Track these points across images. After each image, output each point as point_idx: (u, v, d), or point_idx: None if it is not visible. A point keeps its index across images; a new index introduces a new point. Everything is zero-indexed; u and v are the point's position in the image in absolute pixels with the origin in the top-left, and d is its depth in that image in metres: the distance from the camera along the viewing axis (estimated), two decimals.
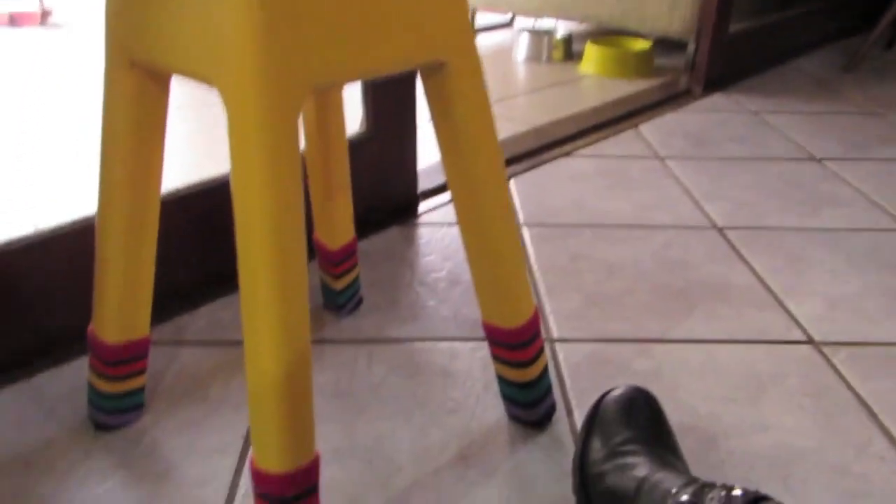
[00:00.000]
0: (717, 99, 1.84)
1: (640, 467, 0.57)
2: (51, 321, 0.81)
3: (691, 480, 0.54)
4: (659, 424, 0.63)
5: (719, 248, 1.10)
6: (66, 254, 0.80)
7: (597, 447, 0.61)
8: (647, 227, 1.16)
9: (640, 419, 0.62)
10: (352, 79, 0.52)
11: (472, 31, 0.59)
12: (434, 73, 0.58)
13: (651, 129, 1.61)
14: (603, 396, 0.66)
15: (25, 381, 0.79)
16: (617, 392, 0.65)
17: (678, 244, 1.11)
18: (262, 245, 0.49)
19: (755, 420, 0.75)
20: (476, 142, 0.60)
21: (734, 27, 1.96)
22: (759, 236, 1.14)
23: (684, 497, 0.51)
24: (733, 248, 1.10)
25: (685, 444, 0.72)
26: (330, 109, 0.77)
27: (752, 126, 1.64)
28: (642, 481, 0.55)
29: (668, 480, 0.54)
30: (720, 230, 1.16)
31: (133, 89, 0.58)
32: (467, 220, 0.64)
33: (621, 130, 1.60)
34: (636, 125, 1.63)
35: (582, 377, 0.81)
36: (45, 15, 3.00)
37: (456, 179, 0.63)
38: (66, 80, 2.05)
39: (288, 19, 0.47)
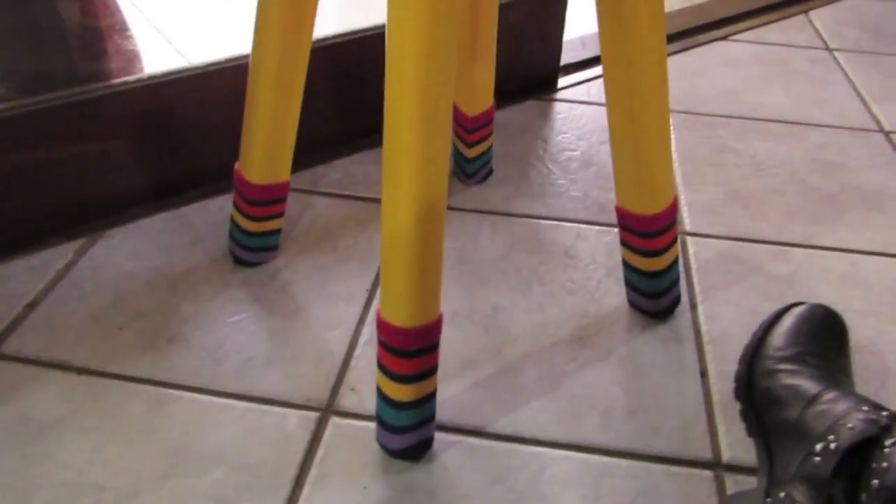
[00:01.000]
0: None
1: (819, 381, 0.55)
2: (201, 155, 0.86)
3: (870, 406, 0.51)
4: (845, 356, 0.61)
5: (883, 154, 1.00)
6: (218, 91, 0.83)
7: (777, 345, 0.59)
8: (804, 125, 1.07)
9: (829, 340, 0.60)
10: None
11: None
12: None
13: (823, 16, 1.45)
14: (794, 305, 0.63)
15: (174, 209, 0.85)
16: (813, 307, 0.62)
17: (837, 145, 1.02)
18: (409, 100, 0.48)
19: (894, 337, 0.71)
20: (641, 18, 0.56)
21: None
22: None
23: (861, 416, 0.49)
24: None
25: None
26: None
27: None
28: (819, 393, 0.53)
29: (844, 400, 0.52)
30: (886, 134, 1.05)
31: None
32: (618, 93, 0.61)
33: (790, 15, 1.45)
34: (807, 10, 1.48)
35: (711, 274, 0.78)
36: None
37: (612, 50, 0.59)
38: None
39: None
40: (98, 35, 0.87)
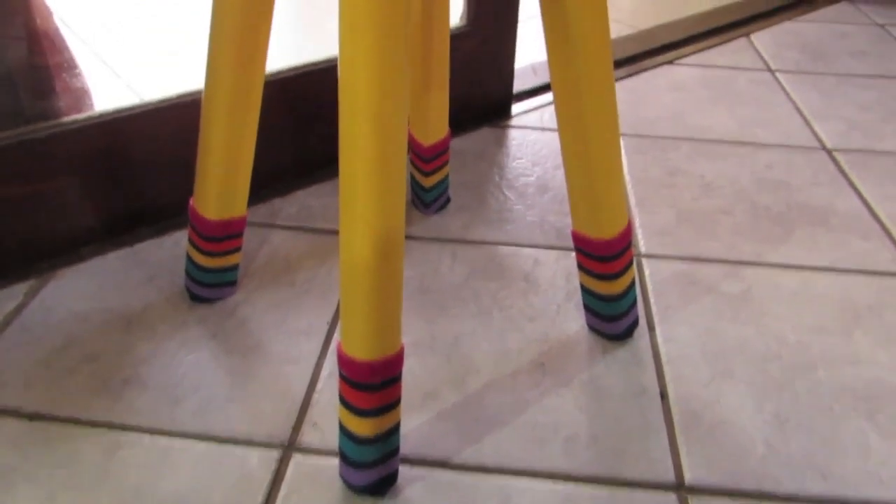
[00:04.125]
0: (840, 8, 1.70)
1: None
2: (154, 192, 0.84)
3: None
4: None
5: (826, 171, 1.04)
6: (172, 127, 0.82)
7: None
8: (750, 145, 1.10)
9: None
10: None
11: None
12: None
13: (764, 39, 1.50)
14: None
15: (129, 246, 0.83)
16: None
17: (782, 164, 1.05)
18: (364, 126, 0.49)
19: (846, 352, 0.73)
20: (588, 45, 0.57)
21: None
22: (871, 160, 1.07)
23: None
24: (842, 171, 1.04)
25: (769, 372, 0.70)
26: (434, 1, 0.74)
27: (877, 40, 1.51)
28: None
29: None
30: (829, 152, 1.09)
31: None
32: (568, 121, 0.62)
33: (732, 39, 1.50)
34: (748, 34, 1.53)
35: (668, 295, 0.80)
36: None
37: (560, 77, 0.60)
38: None
39: None
40: (46, 73, 0.86)
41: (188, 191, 0.87)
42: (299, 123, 0.92)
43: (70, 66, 0.88)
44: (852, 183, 1.01)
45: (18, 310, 0.74)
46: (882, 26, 1.59)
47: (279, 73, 0.88)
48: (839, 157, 1.08)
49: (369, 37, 0.46)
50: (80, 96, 0.81)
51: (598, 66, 0.60)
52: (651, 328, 0.75)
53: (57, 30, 0.90)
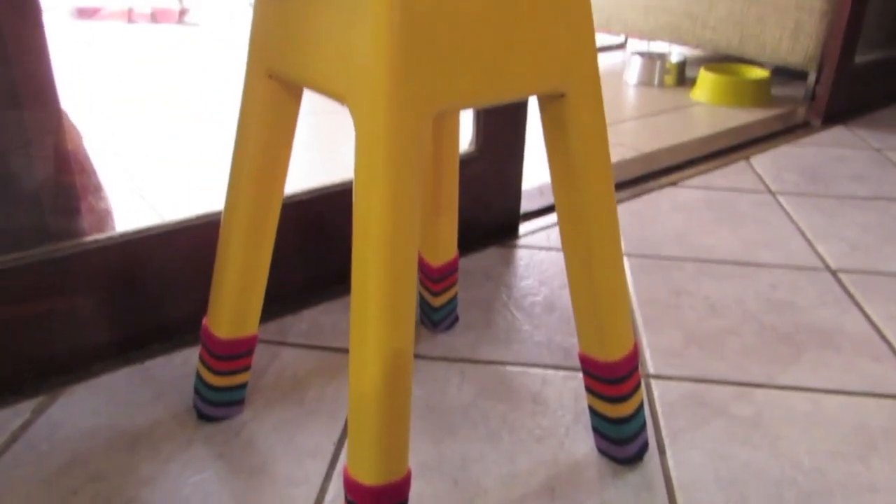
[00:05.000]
0: (837, 133, 1.76)
1: None
2: (167, 309, 0.86)
3: None
4: None
5: (832, 292, 1.05)
6: (188, 246, 0.84)
7: None
8: (755, 265, 1.12)
9: None
10: (476, 105, 0.53)
11: (597, 62, 0.58)
12: (553, 102, 0.58)
13: (764, 162, 1.55)
14: None
15: (139, 363, 0.84)
16: None
17: (787, 285, 1.06)
18: (377, 255, 0.50)
19: (864, 479, 0.71)
20: (590, 173, 0.60)
21: (859, 58, 1.86)
22: (875, 281, 1.08)
23: None
24: (847, 292, 1.05)
25: (785, 499, 0.69)
26: (446, 128, 0.78)
27: (874, 163, 1.56)
28: None
29: None
30: (833, 272, 1.10)
31: (268, 98, 0.62)
32: (573, 249, 0.64)
33: (732, 161, 1.55)
34: (748, 157, 1.58)
35: (677, 417, 0.79)
36: (182, 13, 3.19)
37: (565, 208, 0.63)
38: (198, 75, 2.17)
39: (421, 46, 0.48)
40: (72, 193, 0.90)
41: (201, 308, 0.88)
42: (310, 242, 0.95)
43: (96, 188, 0.92)
44: (858, 304, 1.02)
45: (25, 426, 0.74)
46: (878, 150, 1.65)
47: (293, 195, 0.92)
48: (843, 277, 1.09)
49: (384, 169, 0.49)
50: (104, 217, 0.84)
51: (601, 193, 0.62)
52: (661, 451, 0.74)
53: (85, 151, 0.94)
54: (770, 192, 1.39)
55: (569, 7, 0.55)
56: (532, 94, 0.56)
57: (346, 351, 0.87)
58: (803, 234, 1.22)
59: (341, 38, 0.50)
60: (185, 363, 0.84)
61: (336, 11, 0.50)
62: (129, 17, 3.16)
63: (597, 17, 2.39)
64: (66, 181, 0.93)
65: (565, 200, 0.63)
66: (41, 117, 0.88)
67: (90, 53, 2.52)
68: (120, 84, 2.07)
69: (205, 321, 0.74)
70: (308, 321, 0.93)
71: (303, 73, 0.55)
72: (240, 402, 0.77)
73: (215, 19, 3.24)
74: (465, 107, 0.53)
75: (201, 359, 0.75)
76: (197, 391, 0.76)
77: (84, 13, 3.17)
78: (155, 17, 3.17)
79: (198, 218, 0.85)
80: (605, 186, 0.62)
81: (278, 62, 0.58)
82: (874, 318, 0.99)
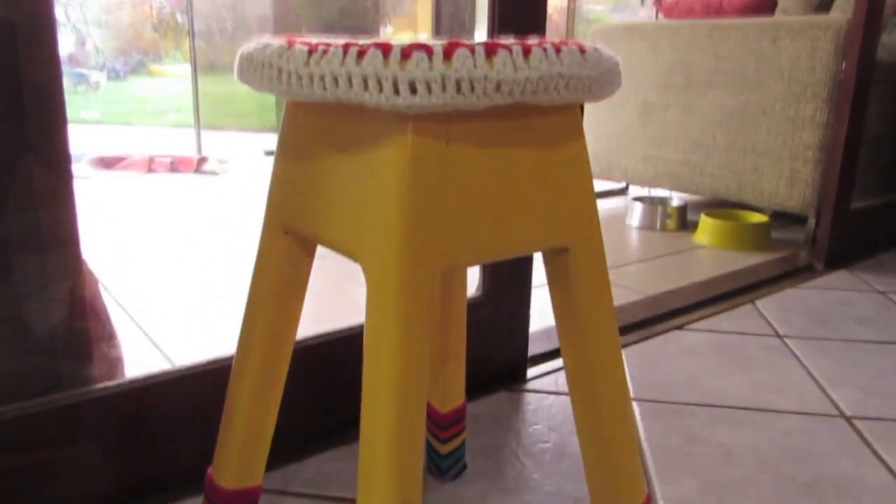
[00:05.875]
0: (840, 276, 1.78)
1: None
2: (172, 457, 0.85)
3: None
4: None
5: (848, 440, 1.02)
6: (197, 393, 0.84)
7: None
8: (768, 411, 1.10)
9: None
10: (483, 261, 0.55)
11: (597, 219, 0.61)
12: (557, 255, 0.61)
13: (769, 306, 1.56)
14: None
15: None
16: None
17: (802, 432, 1.04)
18: (386, 409, 0.51)
19: None
20: (594, 324, 0.61)
21: (857, 204, 1.92)
22: (893, 429, 1.05)
23: None
24: (864, 440, 1.02)
25: None
26: (454, 279, 0.80)
27: (881, 307, 1.57)
28: None
29: None
30: (848, 419, 1.08)
31: (283, 252, 0.64)
32: (580, 399, 0.64)
33: (737, 305, 1.56)
34: (752, 300, 1.60)
35: None
36: (200, 162, 3.35)
37: (572, 358, 0.63)
38: (215, 223, 2.24)
39: (432, 208, 0.51)
40: (85, 339, 0.91)
41: (205, 456, 0.87)
42: (317, 388, 0.95)
43: (109, 335, 0.93)
44: (877, 453, 0.99)
45: None
46: (884, 293, 1.66)
47: (299, 340, 0.93)
48: (859, 424, 1.07)
49: (395, 325, 0.51)
50: (115, 364, 0.85)
51: (606, 343, 0.63)
52: None
53: (101, 298, 0.97)
54: (778, 335, 1.40)
55: (569, 170, 0.58)
56: (537, 250, 0.58)
57: (351, 501, 0.85)
58: (814, 379, 1.21)
59: (356, 201, 0.53)
60: None
61: (352, 176, 0.54)
62: (150, 165, 3.32)
63: (598, 166, 2.49)
64: (79, 327, 0.94)
65: (570, 349, 0.63)
66: (61, 263, 0.91)
67: (107, 201, 2.62)
68: (135, 231, 2.15)
69: (209, 471, 0.72)
70: (313, 469, 0.91)
71: (316, 231, 0.58)
72: None
73: (232, 168, 3.39)
74: (473, 263, 0.55)
75: None
76: None
77: (104, 163, 3.33)
78: (175, 167, 3.32)
79: (207, 363, 0.86)
80: (610, 336, 0.63)
81: (294, 220, 0.61)
82: (894, 468, 0.96)
